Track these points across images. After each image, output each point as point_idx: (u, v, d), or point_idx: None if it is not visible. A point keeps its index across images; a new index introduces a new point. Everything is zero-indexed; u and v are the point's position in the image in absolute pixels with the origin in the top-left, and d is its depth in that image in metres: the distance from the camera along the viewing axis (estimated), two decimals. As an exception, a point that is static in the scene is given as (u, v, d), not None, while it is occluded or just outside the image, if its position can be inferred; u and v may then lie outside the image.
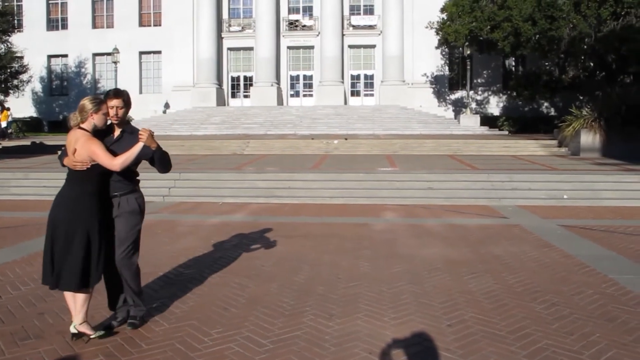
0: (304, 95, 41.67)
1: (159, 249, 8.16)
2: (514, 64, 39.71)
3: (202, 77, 40.51)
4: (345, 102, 40.05)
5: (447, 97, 39.91)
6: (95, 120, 4.58)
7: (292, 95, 41.94)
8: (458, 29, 29.71)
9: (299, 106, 39.49)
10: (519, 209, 11.88)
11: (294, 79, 42.06)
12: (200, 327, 5.00)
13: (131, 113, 27.44)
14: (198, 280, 6.53)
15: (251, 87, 41.09)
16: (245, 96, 41.68)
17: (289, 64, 41.88)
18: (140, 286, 5.07)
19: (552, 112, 36.68)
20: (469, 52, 32.71)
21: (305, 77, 41.87)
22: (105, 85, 42.78)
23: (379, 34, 40.26)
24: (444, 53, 39.20)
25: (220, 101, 40.96)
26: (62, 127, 39.83)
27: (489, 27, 28.70)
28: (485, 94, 39.59)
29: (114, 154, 4.59)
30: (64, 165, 4.68)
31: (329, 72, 39.76)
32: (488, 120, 35.23)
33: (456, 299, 5.76)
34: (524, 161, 18.65)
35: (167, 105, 40.91)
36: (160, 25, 42.13)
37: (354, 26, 40.86)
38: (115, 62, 36.60)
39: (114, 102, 4.65)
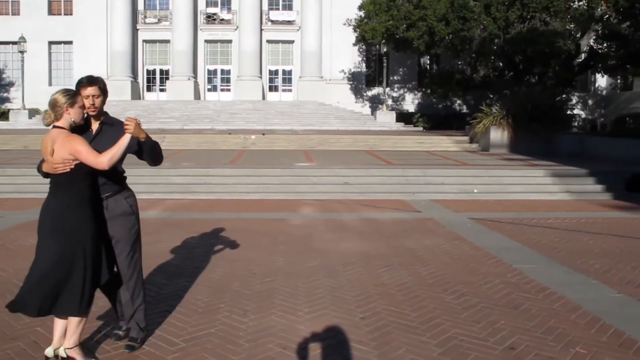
0: (222, 90, 41.18)
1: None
2: (428, 62, 40.91)
3: (116, 69, 39.20)
4: (264, 97, 39.92)
5: (364, 94, 40.57)
6: (71, 115, 3.91)
7: (209, 90, 41.35)
8: (375, 27, 30.24)
9: (217, 101, 39.00)
10: (432, 203, 12.23)
11: (212, 73, 41.48)
12: (109, 326, 4.81)
13: (40, 105, 26.38)
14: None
15: (167, 81, 40.20)
16: (162, 90, 40.72)
17: (207, 57, 41.26)
18: (144, 299, 4.55)
19: (465, 109, 38.08)
20: (385, 49, 33.42)
21: (223, 71, 41.38)
22: (11, 76, 40.55)
23: (298, 30, 40.36)
24: (361, 50, 39.81)
25: (136, 95, 39.78)
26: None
27: (404, 25, 29.39)
28: (401, 91, 40.55)
29: (97, 151, 3.90)
30: (45, 176, 3.98)
31: (248, 67, 39.49)
32: (404, 117, 36.12)
33: (370, 292, 5.85)
34: (438, 157, 19.23)
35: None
36: (71, 14, 40.34)
37: (272, 21, 40.75)
38: (22, 52, 34.74)
39: (89, 91, 4.04)
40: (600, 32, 28.56)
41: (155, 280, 6.25)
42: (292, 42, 40.85)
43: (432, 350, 4.39)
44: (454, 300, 5.61)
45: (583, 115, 40.09)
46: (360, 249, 7.80)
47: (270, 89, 41.26)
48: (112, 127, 4.19)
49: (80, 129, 4.08)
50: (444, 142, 24.02)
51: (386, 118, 34.00)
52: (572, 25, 29.13)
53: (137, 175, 13.76)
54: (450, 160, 17.84)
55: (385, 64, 35.63)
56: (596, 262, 7.15)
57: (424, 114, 37.57)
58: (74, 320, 3.94)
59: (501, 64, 30.75)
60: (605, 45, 29.25)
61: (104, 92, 4.15)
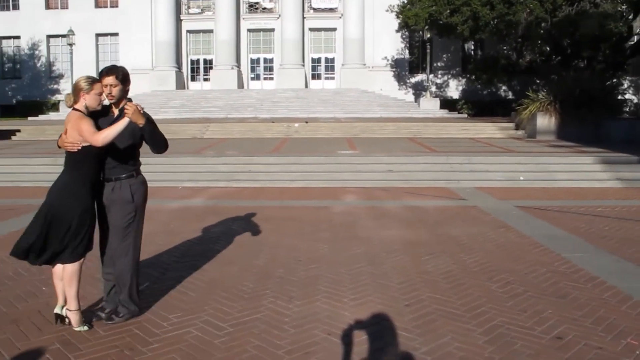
0: (265, 79, 41.38)
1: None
2: (473, 48, 40.17)
3: (160, 60, 39.80)
4: (306, 86, 39.94)
5: (408, 81, 40.17)
6: (87, 100, 4.34)
7: (252, 79, 41.60)
8: (418, 13, 29.84)
9: (260, 89, 39.22)
10: (476, 190, 12.09)
11: (255, 62, 41.69)
12: (159, 312, 4.95)
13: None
14: (156, 265, 6.46)
15: (211, 70, 40.59)
16: (205, 79, 41.15)
17: (250, 46, 41.46)
18: (134, 283, 4.77)
19: (510, 95, 37.31)
20: (428, 35, 32.96)
21: (265, 60, 41.55)
22: (61, 68, 41.68)
23: (340, 17, 40.15)
24: (404, 36, 39.38)
25: (180, 85, 40.34)
26: (15, 111, 38.72)
27: (448, 11, 28.90)
28: (445, 78, 39.99)
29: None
30: (59, 147, 4.46)
31: (290, 55, 39.54)
32: (447, 104, 35.64)
33: (414, 280, 5.84)
34: (482, 143, 18.94)
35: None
36: (117, 6, 41.08)
37: (314, 9, 40.65)
38: (70, 45, 35.61)
39: (107, 80, 4.38)
40: (654, 12, 27.54)
41: (201, 266, 6.39)
42: (334, 29, 40.69)
43: (477, 339, 4.37)
44: (500, 289, 5.55)
45: (635, 100, 38.75)
46: (404, 237, 7.79)
47: (313, 77, 41.25)
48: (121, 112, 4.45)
49: (100, 113, 4.46)
50: (489, 129, 23.63)
51: (430, 105, 33.60)
52: (623, 7, 28.11)
53: (182, 163, 14.09)
54: (495, 147, 17.56)
55: (428, 50, 35.15)
56: (648, 251, 6.97)
57: (468, 100, 36.99)
58: (67, 285, 4.45)
59: (548, 49, 29.95)
60: (659, 26, 28.20)
61: (122, 81, 4.44)
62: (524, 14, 27.28)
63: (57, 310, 4.58)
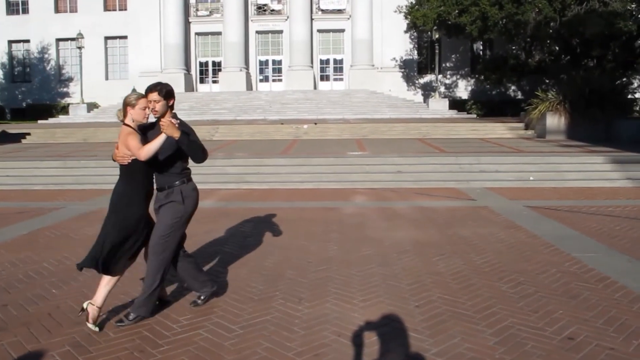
0: (273, 80, 41.46)
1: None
2: (481, 48, 40.07)
3: (169, 62, 39.97)
4: (315, 87, 39.98)
5: (416, 81, 40.11)
6: (132, 114, 4.66)
7: (261, 80, 41.69)
8: (426, 13, 29.82)
9: (269, 91, 39.29)
10: (486, 190, 12.04)
11: (263, 64, 41.78)
12: (169, 315, 4.97)
13: (97, 99, 27.13)
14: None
15: (220, 73, 40.73)
16: (214, 81, 41.29)
17: (258, 48, 41.56)
18: (159, 285, 4.85)
19: (519, 95, 37.17)
20: (437, 36, 32.90)
21: (274, 61, 41.63)
22: (70, 71, 41.95)
23: (348, 18, 40.17)
24: (412, 37, 39.34)
25: (189, 87, 40.50)
26: (25, 114, 39.02)
27: (456, 11, 28.86)
28: (454, 78, 39.90)
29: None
30: (113, 160, 4.79)
31: (298, 57, 39.60)
32: (456, 104, 35.57)
33: (424, 280, 5.83)
34: (492, 144, 18.88)
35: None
36: (125, 9, 41.32)
37: (322, 10, 40.69)
38: (79, 48, 35.87)
39: (151, 96, 4.68)
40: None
41: (211, 268, 6.40)
42: (342, 30, 40.70)
43: (487, 340, 4.36)
44: (510, 289, 5.53)
45: (645, 99, 38.52)
46: (414, 238, 7.77)
47: (322, 78, 41.27)
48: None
49: (150, 126, 4.84)
50: (498, 129, 23.54)
51: (439, 105, 33.54)
52: (633, 5, 27.93)
53: (192, 166, 14.08)
54: (504, 147, 17.49)
55: (437, 51, 35.09)
56: (660, 251, 6.92)
57: (477, 100, 36.88)
58: (104, 284, 4.71)
59: (557, 48, 29.83)
60: (669, 25, 27.99)
61: (165, 97, 4.74)
62: (533, 14, 27.18)
63: (85, 304, 4.72)
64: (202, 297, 5.19)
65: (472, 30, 28.69)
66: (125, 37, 41.37)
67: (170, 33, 39.82)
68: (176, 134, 4.55)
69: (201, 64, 41.92)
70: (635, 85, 33.80)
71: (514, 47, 32.88)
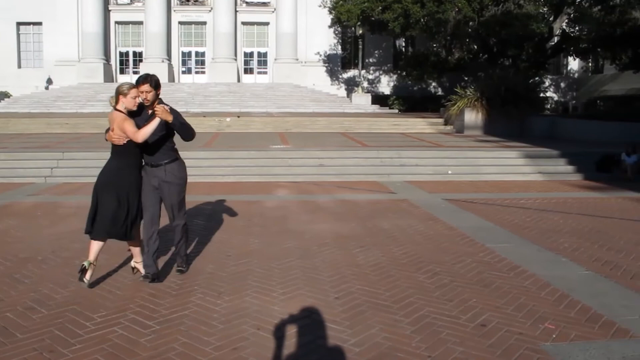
0: (196, 72, 40.74)
1: (39, 232, 7.72)
2: (404, 44, 40.90)
3: (88, 51, 38.46)
4: (239, 80, 39.59)
5: (340, 76, 40.47)
6: (125, 102, 5.28)
7: (183, 72, 40.88)
8: (350, 9, 30.10)
9: (191, 83, 38.58)
10: (407, 184, 12.31)
11: (186, 56, 40.98)
12: (82, 312, 4.77)
13: (9, 88, 25.82)
14: (81, 263, 6.21)
15: (141, 63, 39.56)
16: (135, 72, 40.03)
17: (181, 39, 40.71)
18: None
19: (440, 91, 38.19)
20: (361, 31, 33.32)
21: (197, 53, 40.91)
22: (-22, 57, 39.58)
23: (273, 12, 39.99)
24: (337, 32, 39.64)
25: (109, 77, 39.14)
26: None
27: (380, 7, 29.29)
28: (377, 74, 40.54)
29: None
30: (107, 140, 5.44)
31: (222, 49, 39.07)
32: (379, 99, 36.15)
33: (344, 273, 5.88)
34: (413, 138, 19.31)
35: (49, 81, 38.41)
36: (39, -6, 39.35)
37: (247, 2, 40.32)
38: (-12, 33, 33.91)
39: (143, 88, 5.28)
40: (572, 15, 28.79)
41: (128, 263, 6.20)
42: (267, 24, 40.48)
43: (404, 329, 4.44)
44: (427, 280, 5.67)
45: (555, 98, 40.53)
46: (335, 230, 7.83)
47: (246, 71, 40.92)
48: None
49: (138, 112, 5.39)
50: (419, 124, 24.11)
51: (362, 100, 33.99)
52: (545, 9, 29.29)
53: (95, 159, 13.55)
54: (425, 142, 17.94)
55: (360, 46, 35.54)
56: (566, 241, 7.29)
57: (399, 96, 37.62)
58: (96, 244, 5.40)
59: (476, 47, 30.86)
60: (576, 28, 29.52)
61: (155, 87, 5.35)
62: (453, 13, 27.97)
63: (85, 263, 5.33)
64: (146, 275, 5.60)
65: (395, 26, 29.20)
66: (40, 24, 39.40)
67: (88, 21, 38.29)
68: (169, 118, 5.23)
69: (122, 54, 40.62)
70: (547, 84, 35.56)
71: (435, 45, 33.74)
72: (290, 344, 4.19)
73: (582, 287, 5.44)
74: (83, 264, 5.31)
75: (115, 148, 5.40)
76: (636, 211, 9.48)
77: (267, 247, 6.92)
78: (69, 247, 6.92)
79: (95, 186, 5.45)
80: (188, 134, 5.55)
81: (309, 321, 4.61)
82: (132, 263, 5.77)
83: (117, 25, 40.17)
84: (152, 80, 5.31)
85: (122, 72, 40.53)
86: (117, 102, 5.31)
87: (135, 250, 5.70)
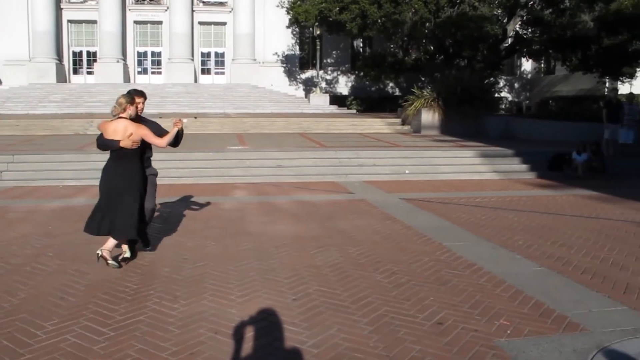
0: (153, 73, 40.08)
1: (-14, 237, 7.47)
2: (362, 45, 41.09)
3: (39, 50, 37.36)
4: (196, 80, 39.14)
5: (298, 77, 40.44)
6: (130, 111, 6.07)
7: (139, 73, 40.15)
8: (308, 9, 30.09)
9: (147, 84, 37.88)
10: (364, 184, 12.37)
11: (142, 56, 40.28)
12: (33, 321, 4.63)
13: (-47, 89, 23.75)
14: (32, 269, 6.05)
15: (95, 63, 38.70)
16: (89, 73, 39.22)
17: (136, 39, 39.98)
18: None
19: (397, 92, 38.49)
20: (318, 32, 33.32)
21: (153, 53, 40.27)
22: None
23: (230, 12, 39.67)
24: (294, 33, 39.58)
25: (61, 78, 38.12)
26: None
27: (337, 8, 29.36)
28: (335, 74, 40.64)
29: None
30: (118, 148, 5.99)
31: (179, 49, 38.57)
32: (337, 100, 36.24)
33: (302, 274, 5.87)
34: (370, 139, 19.44)
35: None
36: (-14, -9, 38.05)
37: (204, 2, 39.89)
38: None
39: (140, 100, 6.30)
40: (525, 17, 29.42)
41: (81, 268, 6.06)
42: (224, 24, 40.11)
43: (362, 329, 4.46)
44: (385, 279, 5.70)
45: (510, 98, 41.33)
46: (293, 231, 7.81)
47: (203, 71, 40.47)
48: (145, 122, 6.40)
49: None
50: (377, 125, 24.27)
51: (320, 101, 34.03)
52: (499, 11, 29.84)
53: (63, 161, 13.36)
54: (382, 142, 18.07)
55: (318, 47, 35.56)
56: (520, 238, 7.44)
57: (357, 96, 37.79)
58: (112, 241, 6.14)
59: (432, 48, 31.21)
60: (529, 30, 30.16)
61: (145, 99, 6.45)
62: (410, 14, 28.24)
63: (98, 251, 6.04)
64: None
65: (353, 27, 29.31)
66: (-14, 22, 38.09)
67: (39, 19, 37.20)
68: (181, 127, 6.40)
69: (75, 54, 39.65)
70: (501, 84, 36.25)
71: (392, 46, 33.97)
72: (248, 347, 4.16)
73: (536, 283, 5.56)
74: (100, 253, 5.97)
75: (131, 151, 6.02)
76: (586, 208, 9.75)
77: (224, 249, 6.86)
78: (18, 253, 6.72)
79: (111, 189, 6.03)
80: (179, 141, 6.57)
81: (267, 323, 4.58)
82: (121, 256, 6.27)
83: (69, 23, 39.18)
84: (145, 95, 6.45)
85: (75, 72, 39.58)
86: (124, 110, 6.02)
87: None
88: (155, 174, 6.81)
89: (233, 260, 6.34)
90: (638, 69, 28.24)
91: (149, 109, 29.16)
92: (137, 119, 6.26)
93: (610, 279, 5.74)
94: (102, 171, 6.22)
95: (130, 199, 6.00)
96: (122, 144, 5.93)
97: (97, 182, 12.11)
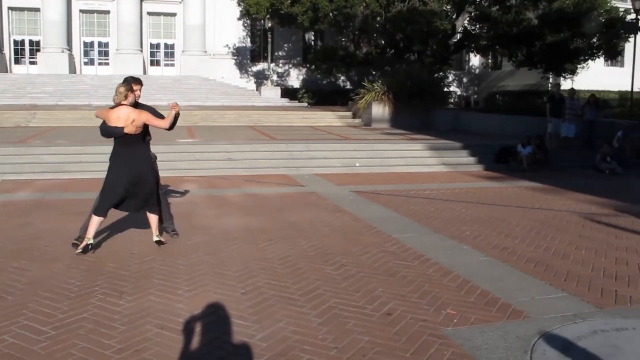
0: (100, 64, 39.05)
1: None
2: (313, 38, 41.07)
3: (-23, 39, 35.96)
4: (145, 72, 38.32)
5: (249, 69, 40.14)
6: (131, 98, 6.32)
7: (86, 63, 39.07)
8: (259, 1, 29.86)
9: (94, 75, 36.95)
10: (315, 177, 12.38)
11: (89, 46, 39.19)
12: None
13: None
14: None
15: (38, 53, 37.44)
16: (32, 63, 37.91)
17: (83, 29, 38.84)
18: None
19: (348, 85, 38.66)
20: (270, 24, 33.16)
21: (100, 44, 39.22)
22: None
23: (180, 2, 38.99)
24: (246, 25, 39.23)
25: (2, 67, 36.72)
26: None
27: (289, 1, 29.25)
28: (286, 67, 40.51)
29: None
30: (122, 134, 6.20)
31: (127, 40, 37.67)
32: (289, 93, 36.15)
33: (252, 267, 5.83)
34: (321, 131, 19.47)
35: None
36: None
37: (153, -8, 39.06)
38: None
39: (137, 87, 6.51)
40: (473, 14, 29.96)
41: (21, 266, 5.85)
42: (174, 14, 39.39)
43: (311, 321, 4.46)
44: (334, 271, 5.72)
45: (458, 92, 42.09)
46: (244, 225, 7.75)
47: (152, 63, 39.68)
48: (142, 107, 6.54)
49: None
50: (328, 117, 24.33)
51: (271, 94, 33.87)
52: (448, 7, 30.29)
53: (2, 154, 12.86)
54: (333, 135, 18.12)
55: (270, 40, 35.36)
56: (467, 229, 7.58)
57: (308, 89, 37.78)
58: (154, 217, 6.63)
59: (383, 42, 31.45)
60: (477, 26, 30.75)
61: (141, 85, 6.68)
62: (361, 8, 28.39)
63: (156, 238, 6.59)
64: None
65: (304, 20, 29.26)
66: None
67: (-24, 6, 35.74)
68: (178, 110, 6.45)
69: (16, 43, 38.24)
70: (450, 79, 36.87)
71: (343, 39, 34.08)
72: (196, 342, 4.10)
73: (482, 273, 5.68)
74: (158, 239, 6.58)
75: (135, 136, 6.28)
76: (530, 199, 10.02)
77: (173, 243, 6.75)
78: (-45, 249, 6.43)
79: (132, 175, 6.26)
80: (175, 124, 6.63)
81: (215, 318, 4.53)
82: (155, 237, 6.62)
83: (10, 11, 37.74)
84: (141, 82, 6.72)
85: (17, 62, 38.18)
86: (123, 98, 6.23)
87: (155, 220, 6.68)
88: (155, 158, 7.01)
89: (182, 255, 6.24)
90: (579, 66, 29.18)
91: (96, 101, 28.43)
92: (135, 104, 6.44)
93: (552, 268, 5.92)
94: (111, 159, 6.39)
95: (151, 178, 6.43)
96: (126, 130, 6.18)
97: (39, 177, 11.89)
